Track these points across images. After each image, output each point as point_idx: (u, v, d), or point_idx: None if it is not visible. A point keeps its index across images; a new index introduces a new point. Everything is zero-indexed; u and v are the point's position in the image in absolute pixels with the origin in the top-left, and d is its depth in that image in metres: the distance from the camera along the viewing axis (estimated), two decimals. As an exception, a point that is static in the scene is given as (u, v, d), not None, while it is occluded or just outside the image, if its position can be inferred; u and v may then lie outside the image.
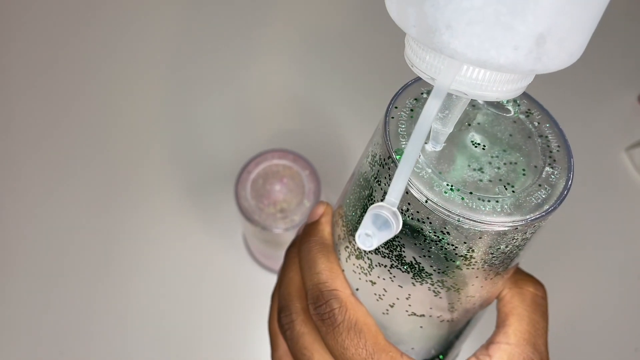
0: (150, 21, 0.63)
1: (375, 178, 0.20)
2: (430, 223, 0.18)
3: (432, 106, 0.16)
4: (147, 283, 0.50)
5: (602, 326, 0.48)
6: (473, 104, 0.21)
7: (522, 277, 0.24)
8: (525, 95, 0.21)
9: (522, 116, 0.21)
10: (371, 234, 0.17)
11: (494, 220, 0.18)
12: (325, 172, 0.53)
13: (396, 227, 0.17)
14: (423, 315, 0.22)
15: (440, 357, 0.26)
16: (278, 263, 0.49)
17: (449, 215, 0.18)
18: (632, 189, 0.54)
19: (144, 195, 0.53)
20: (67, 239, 0.51)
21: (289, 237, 0.43)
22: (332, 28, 0.62)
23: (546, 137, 0.20)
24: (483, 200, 0.18)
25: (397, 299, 0.22)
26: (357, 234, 0.17)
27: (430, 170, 0.19)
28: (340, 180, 0.54)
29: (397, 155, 0.19)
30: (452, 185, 0.18)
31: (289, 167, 0.44)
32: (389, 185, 0.19)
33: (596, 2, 0.14)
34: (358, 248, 0.22)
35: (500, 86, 0.16)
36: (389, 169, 0.19)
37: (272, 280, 0.50)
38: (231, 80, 0.59)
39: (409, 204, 0.18)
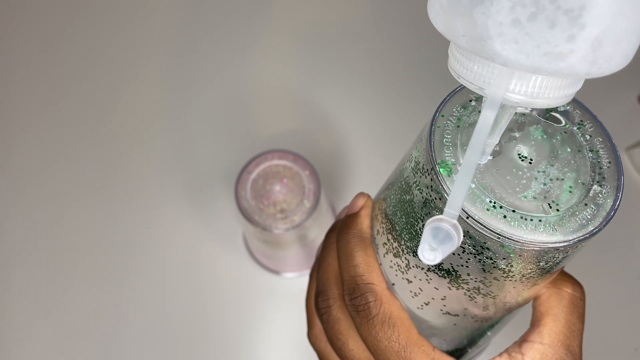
0: (150, 20, 0.63)
1: (417, 186, 0.20)
2: (470, 237, 0.18)
3: (487, 118, 0.16)
4: (147, 283, 0.50)
5: (602, 326, 0.47)
6: (522, 113, 0.20)
7: (561, 277, 0.23)
8: (578, 104, 0.21)
9: (573, 127, 0.20)
10: (435, 247, 0.16)
11: (535, 239, 0.17)
12: (325, 172, 0.53)
13: (458, 239, 0.16)
14: (457, 315, 0.22)
15: (466, 348, 0.26)
16: (278, 263, 0.49)
17: (489, 233, 0.17)
18: (632, 189, 0.54)
19: (143, 196, 0.53)
20: (67, 239, 0.51)
21: (289, 237, 0.43)
22: (332, 28, 0.62)
23: (597, 151, 0.19)
24: (525, 219, 0.18)
25: (433, 298, 0.22)
26: (419, 250, 0.17)
27: (473, 185, 0.18)
28: (341, 181, 0.54)
29: (441, 167, 0.18)
30: (494, 202, 0.18)
31: (289, 168, 0.44)
32: (430, 194, 0.19)
33: None
34: (396, 247, 0.22)
35: (551, 92, 0.16)
36: (431, 179, 0.19)
37: (272, 280, 0.50)
38: (231, 80, 0.59)
39: None
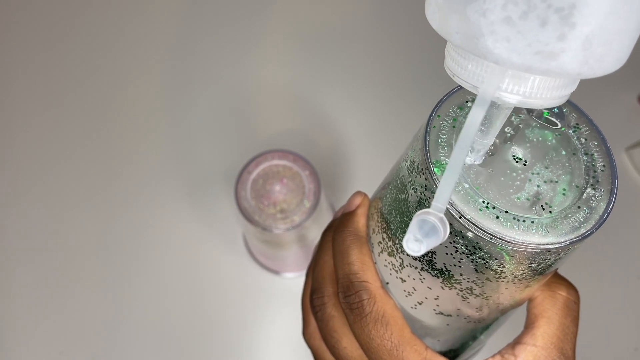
0: (150, 21, 0.63)
1: (412, 185, 0.20)
2: (463, 237, 0.18)
3: (476, 115, 0.16)
4: (147, 283, 0.50)
5: (602, 326, 0.48)
6: (519, 115, 0.20)
7: (555, 279, 0.23)
8: (574, 107, 0.21)
9: (569, 130, 0.20)
10: (420, 239, 0.16)
11: (527, 241, 0.17)
12: (325, 172, 0.53)
13: (444, 233, 0.16)
14: (450, 315, 0.22)
15: (460, 350, 0.26)
16: (278, 263, 0.49)
17: (481, 233, 0.18)
18: (632, 189, 0.54)
19: (144, 196, 0.53)
20: (68, 240, 0.52)
21: (289, 237, 0.43)
22: (332, 27, 0.62)
23: (592, 155, 0.19)
24: (518, 220, 0.18)
25: (426, 298, 0.22)
26: (404, 240, 0.17)
27: (467, 185, 0.18)
28: (341, 181, 0.54)
29: (435, 167, 0.18)
30: (487, 202, 0.18)
31: (289, 168, 0.44)
32: (424, 194, 0.19)
33: None
34: (391, 246, 0.22)
35: (545, 93, 0.16)
36: (425, 179, 0.19)
37: (272, 280, 0.50)
38: (231, 80, 0.59)
39: None
